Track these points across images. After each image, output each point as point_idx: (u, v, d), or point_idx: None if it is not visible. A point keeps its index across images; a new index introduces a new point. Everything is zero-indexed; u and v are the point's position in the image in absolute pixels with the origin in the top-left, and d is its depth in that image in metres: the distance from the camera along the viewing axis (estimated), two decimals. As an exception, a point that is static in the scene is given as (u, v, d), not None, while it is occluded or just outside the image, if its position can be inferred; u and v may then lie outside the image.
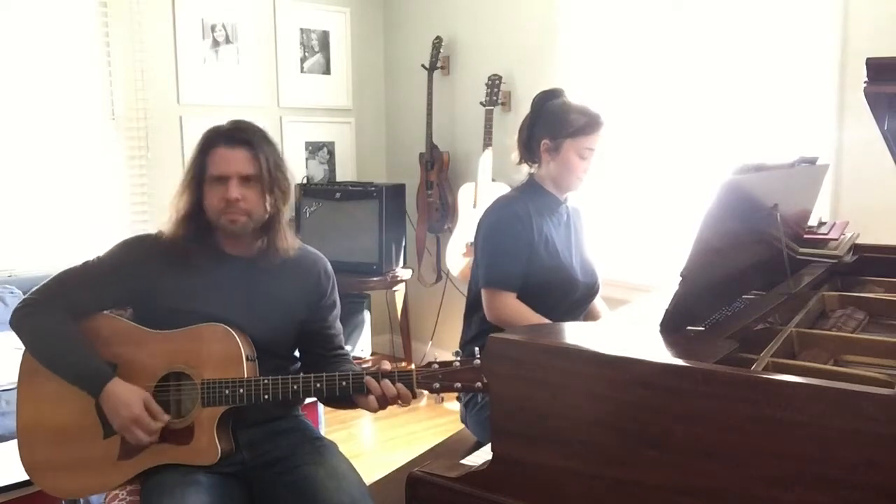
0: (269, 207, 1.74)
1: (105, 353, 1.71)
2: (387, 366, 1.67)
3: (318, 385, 1.66)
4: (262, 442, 1.78)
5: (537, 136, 2.17)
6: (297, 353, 1.92)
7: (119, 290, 1.75)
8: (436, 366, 1.63)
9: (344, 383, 1.66)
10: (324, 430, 3.02)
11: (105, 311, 1.77)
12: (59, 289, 1.73)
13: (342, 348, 1.92)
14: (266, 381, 1.66)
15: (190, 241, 1.74)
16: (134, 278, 1.74)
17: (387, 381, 1.64)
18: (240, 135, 1.73)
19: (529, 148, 2.21)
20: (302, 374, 1.68)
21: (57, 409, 1.71)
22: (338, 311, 1.93)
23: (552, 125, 2.14)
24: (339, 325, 1.93)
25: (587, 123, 2.11)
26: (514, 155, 2.26)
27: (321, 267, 1.89)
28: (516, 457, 1.27)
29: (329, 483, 1.68)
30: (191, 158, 1.77)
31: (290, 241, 1.81)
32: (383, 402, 1.65)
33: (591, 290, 2.27)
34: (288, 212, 1.82)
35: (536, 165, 2.22)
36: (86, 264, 1.77)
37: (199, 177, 1.73)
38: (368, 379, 1.64)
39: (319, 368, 1.86)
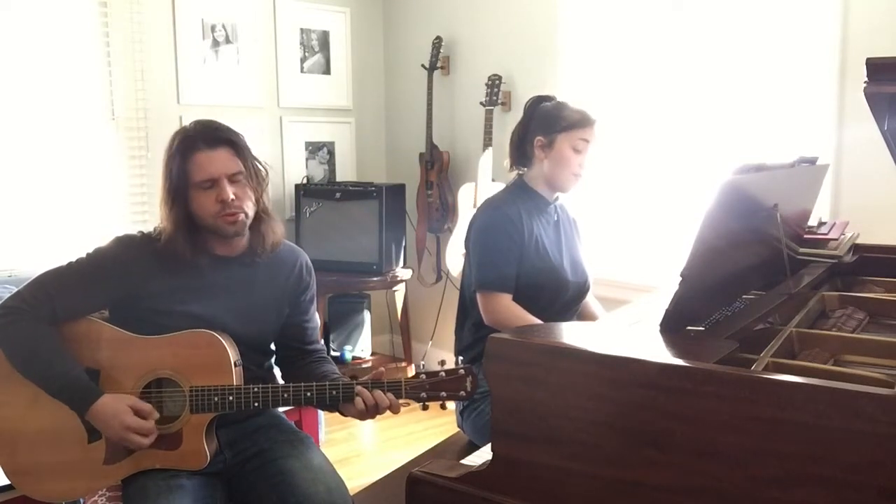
0: (255, 200, 1.74)
1: (87, 358, 1.67)
2: (379, 376, 1.68)
3: (309, 394, 1.66)
4: (242, 440, 1.79)
5: (531, 136, 2.20)
6: (272, 346, 1.92)
7: (107, 293, 1.70)
8: (423, 376, 1.65)
9: (334, 392, 1.66)
10: (323, 430, 3.02)
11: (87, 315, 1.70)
12: (42, 294, 1.65)
13: (318, 342, 1.94)
14: (256, 390, 1.66)
15: (184, 245, 1.70)
16: (122, 279, 1.69)
17: (378, 391, 1.64)
18: (217, 134, 1.70)
19: (522, 150, 2.24)
20: (292, 384, 1.68)
21: (37, 412, 1.66)
22: (315, 304, 1.94)
23: (546, 123, 2.18)
24: (316, 318, 1.94)
25: (582, 118, 2.16)
26: (506, 162, 2.30)
27: (303, 260, 1.90)
28: (516, 457, 1.27)
29: (305, 475, 1.70)
30: (168, 167, 1.71)
31: (280, 233, 1.81)
32: (372, 411, 1.65)
33: (582, 289, 2.28)
34: (270, 202, 1.82)
35: (527, 169, 2.25)
36: (70, 266, 1.70)
37: (184, 185, 1.69)
38: (360, 388, 1.64)
39: (297, 361, 1.89)
